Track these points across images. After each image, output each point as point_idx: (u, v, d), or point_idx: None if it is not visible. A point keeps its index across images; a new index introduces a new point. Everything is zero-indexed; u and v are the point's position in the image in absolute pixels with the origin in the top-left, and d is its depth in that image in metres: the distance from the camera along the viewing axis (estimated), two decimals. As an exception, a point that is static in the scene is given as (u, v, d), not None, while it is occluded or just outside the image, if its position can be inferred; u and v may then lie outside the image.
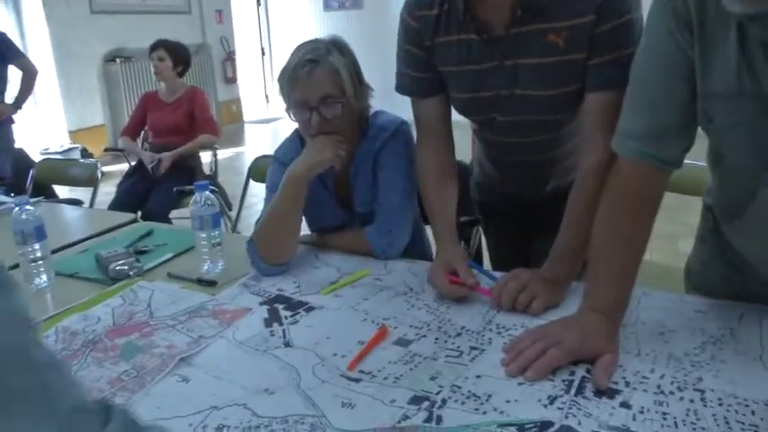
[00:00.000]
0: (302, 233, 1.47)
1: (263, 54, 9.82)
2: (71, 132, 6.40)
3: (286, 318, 1.16)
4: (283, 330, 1.12)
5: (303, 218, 1.46)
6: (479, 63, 1.22)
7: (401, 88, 1.36)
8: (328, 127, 1.33)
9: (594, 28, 1.11)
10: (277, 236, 1.34)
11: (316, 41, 1.36)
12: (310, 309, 1.20)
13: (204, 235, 1.38)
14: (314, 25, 9.40)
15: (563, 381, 0.93)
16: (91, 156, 5.79)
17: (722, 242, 1.13)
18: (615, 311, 1.02)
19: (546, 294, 1.13)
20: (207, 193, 1.38)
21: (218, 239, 1.40)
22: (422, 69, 1.30)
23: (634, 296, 1.13)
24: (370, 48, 8.16)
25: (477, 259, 1.85)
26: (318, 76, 1.30)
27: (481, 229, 1.77)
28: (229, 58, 8.52)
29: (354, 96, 1.34)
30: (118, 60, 6.75)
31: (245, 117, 8.97)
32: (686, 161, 1.02)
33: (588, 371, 0.94)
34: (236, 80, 8.70)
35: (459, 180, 1.40)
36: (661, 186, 1.02)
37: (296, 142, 1.47)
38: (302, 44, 1.36)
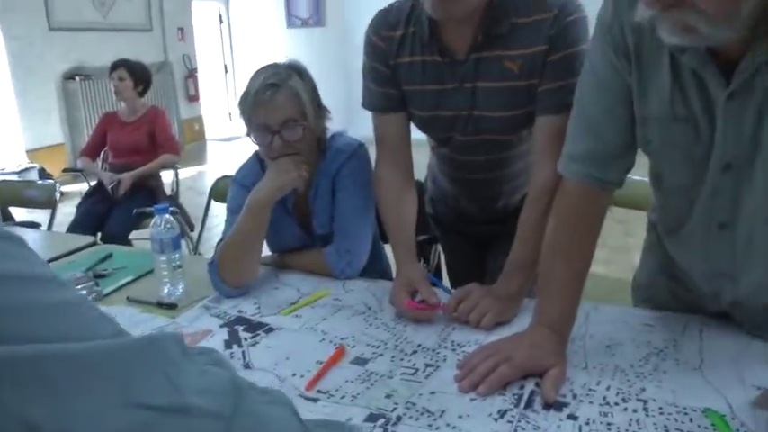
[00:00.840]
0: (263, 254, 1.49)
1: (226, 71, 9.79)
2: (29, 151, 6.27)
3: (246, 339, 1.18)
4: (243, 352, 1.13)
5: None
6: (441, 84, 1.29)
7: (367, 104, 1.41)
8: (290, 149, 1.35)
9: (546, 57, 1.19)
10: (240, 259, 1.36)
11: (275, 66, 1.39)
12: (270, 330, 1.21)
13: (164, 258, 1.39)
14: (277, 42, 9.43)
15: (513, 395, 0.97)
16: (49, 176, 5.68)
17: (666, 257, 1.19)
18: (563, 327, 1.06)
19: (497, 310, 1.18)
20: (167, 216, 1.39)
21: (178, 262, 1.41)
22: (386, 86, 1.35)
23: (584, 311, 1.19)
24: (332, 65, 8.27)
25: (438, 276, 1.89)
26: (279, 101, 1.32)
27: (440, 246, 1.82)
28: (191, 75, 8.47)
29: (314, 119, 1.38)
30: (77, 78, 6.65)
31: (208, 135, 8.91)
32: (642, 178, 1.08)
33: (537, 384, 0.98)
34: (198, 98, 8.65)
35: (418, 197, 1.44)
36: (604, 206, 1.08)
37: (256, 165, 1.49)
38: (262, 68, 1.39)
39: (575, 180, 1.05)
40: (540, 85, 1.22)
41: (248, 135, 1.37)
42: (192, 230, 3.19)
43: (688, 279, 1.15)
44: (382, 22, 1.33)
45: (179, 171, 3.66)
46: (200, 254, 2.62)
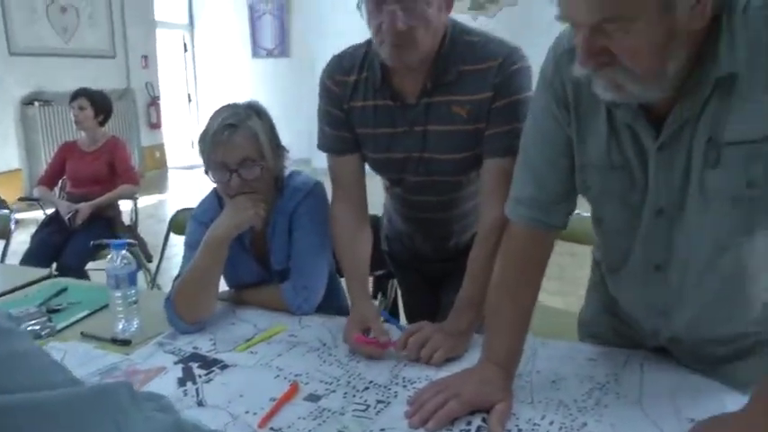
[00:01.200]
0: (220, 290, 1.50)
1: (190, 100, 9.77)
2: (-17, 177, 6.14)
3: (200, 376, 1.18)
4: (197, 389, 1.14)
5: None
6: (393, 127, 1.34)
7: (322, 145, 1.45)
8: (247, 188, 1.38)
9: (492, 103, 1.26)
10: (197, 295, 1.37)
11: (235, 106, 1.42)
12: (225, 366, 1.22)
13: (119, 294, 1.39)
14: (242, 72, 9.47)
15: (461, 430, 1.00)
16: (4, 202, 5.55)
17: (608, 294, 1.24)
18: (510, 363, 1.10)
19: (447, 346, 1.21)
20: (123, 251, 1.39)
21: (134, 298, 1.41)
22: (340, 129, 1.40)
23: (531, 346, 1.23)
24: (297, 95, 8.31)
25: (394, 310, 1.92)
26: (237, 140, 1.36)
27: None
28: (154, 103, 8.43)
29: (272, 158, 1.41)
30: (36, 103, 6.56)
31: (170, 163, 8.84)
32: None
33: (484, 420, 1.02)
34: (160, 125, 8.60)
35: (373, 233, 1.48)
36: (548, 246, 1.14)
37: (214, 201, 1.51)
38: (222, 108, 1.42)
39: (520, 223, 1.11)
40: (486, 129, 1.28)
41: (206, 173, 1.40)
42: (150, 261, 3.16)
43: (629, 316, 1.21)
44: (336, 68, 1.38)
45: (138, 200, 3.63)
46: (158, 286, 2.59)
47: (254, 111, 1.41)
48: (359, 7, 1.21)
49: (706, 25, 0.82)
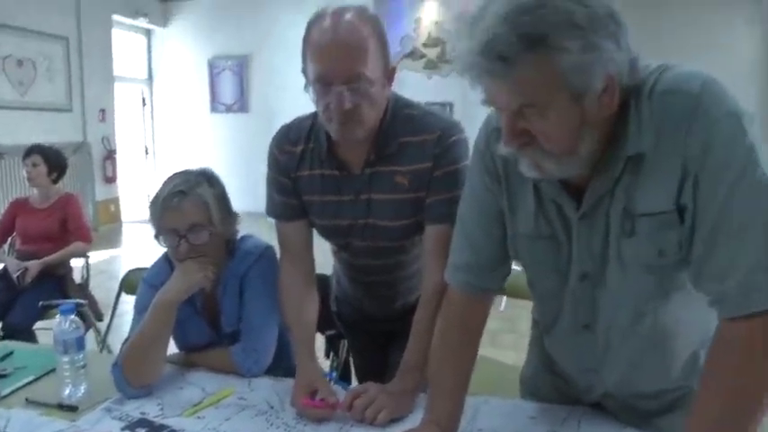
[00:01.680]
0: (170, 352, 1.51)
1: (147, 153, 9.74)
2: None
3: (147, 443, 1.19)
4: (143, 456, 1.14)
5: (171, 337, 1.50)
6: (339, 195, 1.41)
7: (270, 211, 1.50)
8: (195, 252, 1.42)
9: (432, 172, 1.34)
10: (145, 360, 1.38)
11: (187, 173, 1.47)
12: (172, 432, 1.23)
13: (67, 359, 1.38)
14: (200, 126, 9.52)
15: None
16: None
17: (546, 352, 1.30)
18: (450, 423, 1.15)
19: (392, 406, 1.24)
20: (72, 316, 1.40)
21: (82, 362, 1.40)
22: (288, 196, 1.45)
23: (474, 405, 1.28)
24: (256, 149, 8.35)
25: (347, 369, 1.94)
26: (187, 207, 1.40)
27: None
28: (110, 156, 8.36)
29: (221, 224, 1.45)
30: (-11, 156, 6.46)
31: (125, 217, 8.72)
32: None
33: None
34: (115, 179, 8.51)
35: (323, 294, 1.52)
36: (485, 310, 1.20)
37: (165, 265, 1.53)
38: (174, 175, 1.46)
39: (458, 288, 1.17)
40: (427, 197, 1.35)
41: (156, 238, 1.43)
42: (100, 320, 3.10)
43: (565, 373, 1.27)
44: (284, 138, 1.45)
45: (91, 255, 3.58)
46: (107, 347, 2.56)
47: (205, 178, 1.46)
48: (306, 89, 1.28)
49: (617, 109, 0.92)
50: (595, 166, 0.96)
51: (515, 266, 1.20)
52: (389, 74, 1.32)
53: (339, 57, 1.21)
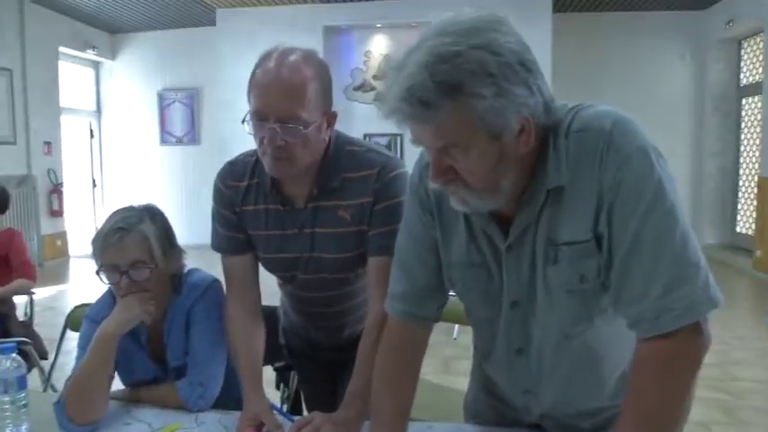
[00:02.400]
0: (116, 388, 1.50)
1: (95, 185, 9.55)
2: None
3: (90, 481, 1.18)
4: (86, 495, 1.13)
5: (116, 373, 1.49)
6: (283, 229, 1.44)
7: (216, 245, 1.52)
8: (137, 288, 1.42)
9: (373, 206, 1.39)
10: (86, 395, 1.36)
11: (130, 209, 1.48)
12: (116, 469, 1.22)
13: (8, 399, 1.36)
14: (149, 158, 9.41)
15: None
16: None
17: (486, 376, 1.35)
18: (393, 449, 1.18)
19: None
20: (13, 355, 1.38)
21: (23, 402, 1.38)
22: (233, 230, 1.48)
23: (418, 429, 1.31)
24: (207, 181, 8.30)
25: (297, 400, 1.95)
26: (128, 243, 1.40)
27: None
28: (56, 190, 8.17)
29: (164, 260, 1.46)
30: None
31: (72, 251, 8.52)
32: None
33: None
34: (62, 213, 8.30)
35: (272, 325, 1.54)
36: (423, 339, 1.25)
37: (109, 300, 1.52)
38: (116, 211, 1.47)
39: (396, 316, 1.22)
40: (369, 230, 1.40)
41: (98, 274, 1.43)
42: (45, 359, 3.02)
43: (504, 396, 1.32)
44: (228, 174, 1.48)
45: (38, 291, 3.48)
46: (51, 386, 2.49)
47: (148, 214, 1.47)
48: (244, 122, 1.31)
49: (537, 146, 0.99)
50: (520, 199, 1.03)
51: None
52: (330, 118, 1.37)
53: (276, 95, 1.26)
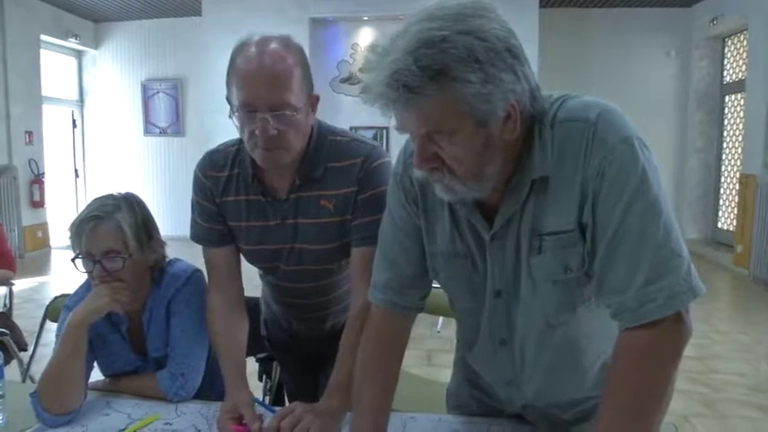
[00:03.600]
0: (96, 379, 1.48)
1: (77, 176, 9.44)
2: None
3: (67, 471, 1.16)
4: (63, 485, 1.12)
5: (96, 364, 1.47)
6: (265, 220, 1.42)
7: (195, 236, 1.50)
8: (111, 277, 1.40)
9: (357, 196, 1.37)
10: (60, 385, 1.34)
11: (109, 197, 1.45)
12: (94, 460, 1.21)
13: (-16, 389, 1.35)
14: (133, 149, 9.32)
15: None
16: None
17: (468, 367, 1.35)
18: (376, 439, 1.17)
19: (318, 425, 1.25)
20: (-10, 345, 1.36)
21: (0, 392, 1.37)
22: (213, 221, 1.46)
23: (401, 420, 1.31)
24: (191, 172, 8.28)
25: (280, 391, 1.94)
26: (102, 232, 1.38)
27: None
28: (38, 180, 8.06)
29: (139, 251, 1.43)
30: None
31: (53, 242, 8.41)
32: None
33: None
34: (43, 204, 8.20)
35: (254, 316, 1.53)
36: (406, 329, 1.24)
37: (88, 291, 1.50)
38: (95, 199, 1.45)
39: (378, 306, 1.21)
40: (352, 220, 1.39)
41: (73, 261, 1.41)
42: (24, 350, 2.98)
43: (487, 387, 1.32)
44: (208, 164, 1.46)
45: (18, 282, 3.44)
46: (30, 377, 2.46)
47: (126, 203, 1.44)
48: (230, 116, 1.29)
49: (522, 135, 0.98)
50: (505, 189, 1.03)
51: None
52: (313, 101, 1.35)
53: (264, 84, 1.24)
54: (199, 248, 1.54)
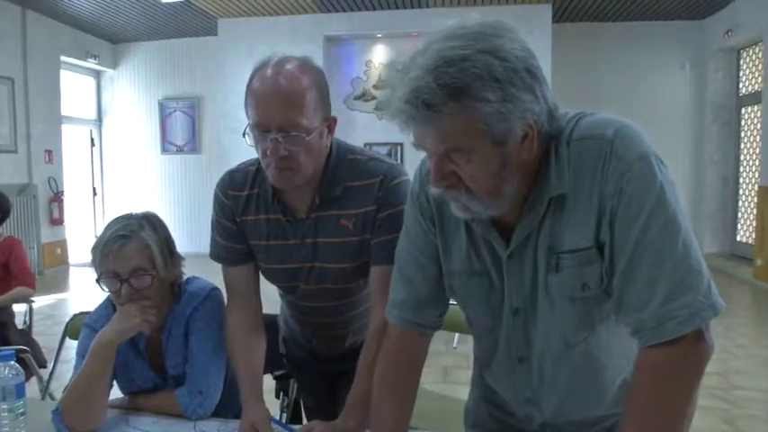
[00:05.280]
0: (114, 397, 1.49)
1: (95, 194, 9.56)
2: None
3: (88, 489, 1.17)
4: (83, 503, 1.12)
5: (115, 382, 1.49)
6: (284, 240, 1.43)
7: (215, 256, 1.51)
8: (138, 296, 1.42)
9: (376, 215, 1.38)
10: (85, 403, 1.36)
11: (129, 217, 1.47)
12: (114, 477, 1.21)
13: (6, 406, 1.35)
14: (150, 167, 9.42)
15: None
16: None
17: (486, 385, 1.34)
18: (391, 457, 1.17)
19: None
20: (12, 362, 1.37)
21: (21, 410, 1.38)
22: (233, 240, 1.47)
23: (418, 439, 1.30)
24: (207, 190, 8.32)
25: (296, 408, 1.94)
26: (129, 251, 1.40)
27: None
28: (57, 198, 8.17)
29: (165, 268, 1.45)
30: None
31: (72, 260, 8.50)
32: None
33: None
34: (62, 221, 8.29)
35: (272, 333, 1.53)
36: (423, 347, 1.24)
37: (109, 309, 1.52)
38: (116, 219, 1.47)
39: (396, 324, 1.21)
40: (372, 239, 1.39)
41: (98, 282, 1.42)
42: (44, 367, 3.01)
43: (505, 404, 1.31)
44: (229, 183, 1.47)
45: (37, 299, 3.48)
46: (50, 394, 2.48)
47: (148, 222, 1.46)
48: (244, 135, 1.30)
49: (539, 154, 0.99)
50: (522, 207, 1.03)
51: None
52: (330, 124, 1.36)
53: (276, 105, 1.25)
54: (215, 266, 1.55)
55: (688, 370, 0.94)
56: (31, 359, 2.84)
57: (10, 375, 1.35)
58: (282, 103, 1.25)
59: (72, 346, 2.28)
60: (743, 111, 7.92)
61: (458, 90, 0.87)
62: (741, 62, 8.02)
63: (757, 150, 7.39)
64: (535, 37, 6.72)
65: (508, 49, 0.89)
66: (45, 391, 2.54)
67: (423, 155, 1.10)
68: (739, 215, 8.08)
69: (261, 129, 1.26)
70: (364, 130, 7.89)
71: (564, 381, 1.14)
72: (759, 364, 4.19)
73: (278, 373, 1.85)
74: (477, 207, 0.98)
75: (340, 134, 1.47)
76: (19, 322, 3.35)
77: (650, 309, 0.93)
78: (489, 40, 0.89)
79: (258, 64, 1.32)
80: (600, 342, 1.10)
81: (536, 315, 1.09)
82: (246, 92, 1.30)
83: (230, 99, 7.91)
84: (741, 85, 8.02)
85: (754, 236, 7.15)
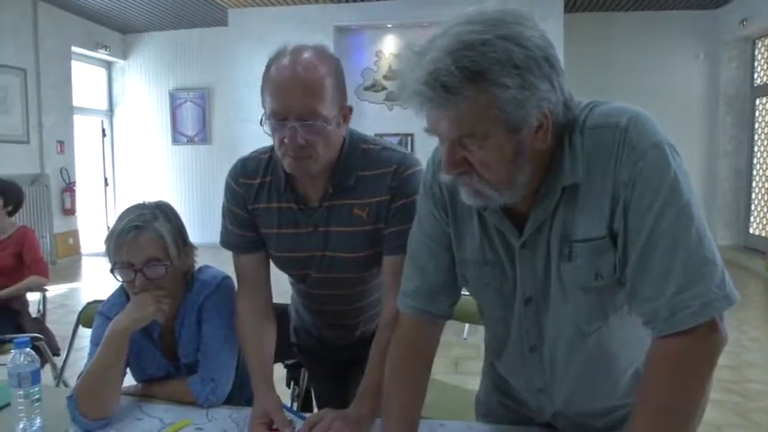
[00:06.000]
0: (128, 384, 1.50)
1: (107, 184, 9.62)
2: None
3: (102, 475, 1.18)
4: (98, 489, 1.14)
5: (128, 369, 1.50)
6: (296, 228, 1.43)
7: (225, 243, 1.51)
8: (152, 285, 1.43)
9: (390, 204, 1.38)
10: (99, 391, 1.37)
11: (143, 206, 1.48)
12: (128, 463, 1.23)
13: (21, 393, 1.36)
14: (161, 157, 9.46)
15: None
16: None
17: (498, 375, 1.34)
18: (405, 445, 1.17)
19: None
20: (27, 349, 1.39)
21: (36, 396, 1.39)
22: (244, 228, 1.47)
23: (429, 427, 1.31)
24: (218, 180, 8.36)
25: (308, 398, 1.95)
26: (143, 241, 1.41)
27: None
28: (69, 188, 8.23)
29: (178, 258, 1.46)
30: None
31: (84, 249, 8.57)
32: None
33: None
34: (74, 212, 8.35)
35: (283, 322, 1.53)
36: (435, 336, 1.24)
37: (122, 297, 1.53)
38: (129, 209, 1.47)
39: (407, 313, 1.21)
40: (385, 228, 1.39)
41: (112, 272, 1.43)
42: (57, 355, 3.04)
43: (516, 395, 1.31)
44: (241, 171, 1.47)
45: (50, 289, 3.51)
46: (64, 382, 2.51)
47: (161, 212, 1.47)
48: (262, 123, 1.30)
49: (553, 143, 0.98)
50: (535, 196, 1.02)
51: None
52: (345, 113, 1.36)
53: (294, 93, 1.25)
54: (226, 255, 1.56)
55: (701, 360, 0.93)
56: (45, 347, 2.87)
57: (25, 362, 1.37)
58: (301, 92, 1.25)
59: (85, 334, 2.30)
60: (757, 102, 7.84)
61: (476, 74, 0.87)
62: (756, 52, 7.92)
63: (771, 142, 7.31)
64: (547, 27, 6.62)
65: (528, 37, 0.89)
66: (59, 378, 2.57)
67: (434, 145, 1.10)
68: (752, 207, 8.00)
69: (279, 117, 1.26)
70: (375, 120, 7.88)
71: (575, 370, 1.14)
72: (771, 356, 4.17)
73: (289, 362, 1.86)
74: (491, 192, 0.97)
75: (351, 124, 1.46)
76: (33, 311, 3.39)
77: (663, 299, 0.93)
78: (509, 27, 0.88)
79: (274, 53, 1.32)
80: (612, 332, 1.09)
81: (548, 305, 1.09)
82: (263, 81, 1.30)
83: (241, 89, 7.92)
84: (756, 75, 7.93)
85: (767, 228, 7.09)
